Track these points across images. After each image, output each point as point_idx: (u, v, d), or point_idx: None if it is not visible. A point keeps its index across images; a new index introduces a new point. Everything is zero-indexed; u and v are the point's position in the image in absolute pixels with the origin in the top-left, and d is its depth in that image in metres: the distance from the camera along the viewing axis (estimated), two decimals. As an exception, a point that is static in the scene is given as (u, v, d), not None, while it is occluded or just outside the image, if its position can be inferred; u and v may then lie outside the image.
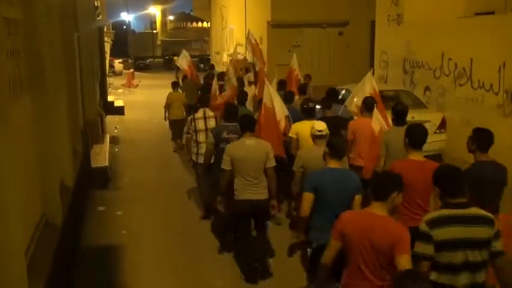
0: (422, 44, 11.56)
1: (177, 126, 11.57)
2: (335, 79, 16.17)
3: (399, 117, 5.76)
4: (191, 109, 10.14)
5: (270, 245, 6.18)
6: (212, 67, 16.98)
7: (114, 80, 32.29)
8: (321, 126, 5.33)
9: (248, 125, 5.46)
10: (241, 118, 5.60)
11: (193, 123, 7.27)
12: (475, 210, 3.35)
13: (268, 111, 6.73)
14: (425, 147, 4.62)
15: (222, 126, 6.35)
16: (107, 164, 9.42)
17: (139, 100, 23.05)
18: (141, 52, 56.76)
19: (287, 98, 7.83)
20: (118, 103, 18.69)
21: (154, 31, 67.15)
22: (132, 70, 35.09)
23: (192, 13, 66.12)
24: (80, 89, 9.23)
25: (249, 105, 9.02)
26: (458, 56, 10.13)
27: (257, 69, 10.64)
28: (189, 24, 69.37)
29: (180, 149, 11.52)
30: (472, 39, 9.61)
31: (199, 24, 64.38)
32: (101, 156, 9.76)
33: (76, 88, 8.44)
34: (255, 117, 6.35)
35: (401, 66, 12.60)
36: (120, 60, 42.99)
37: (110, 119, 16.07)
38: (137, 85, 30.21)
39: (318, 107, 7.02)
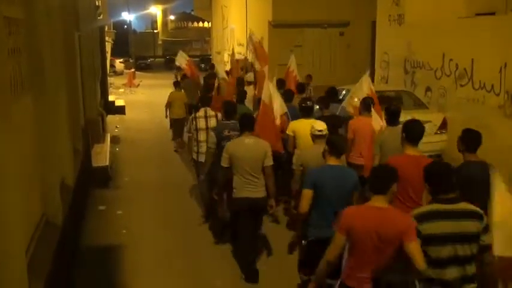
0: (423, 44, 11.55)
1: (178, 125, 11.70)
2: (336, 79, 16.13)
3: (392, 117, 5.88)
4: (192, 108, 10.18)
5: (269, 243, 6.20)
6: (212, 67, 16.93)
7: (115, 79, 32.34)
8: (320, 126, 5.35)
9: (247, 124, 5.51)
10: (241, 118, 5.64)
11: (194, 122, 7.31)
12: (464, 205, 3.41)
13: (266, 107, 6.78)
14: (426, 147, 4.65)
15: (223, 124, 6.39)
16: (107, 163, 9.44)
17: (140, 100, 23.07)
18: (142, 52, 56.87)
19: (286, 97, 7.89)
20: (119, 103, 18.72)
21: (155, 31, 67.28)
22: (133, 70, 35.17)
23: (193, 13, 66.08)
24: (80, 89, 9.24)
25: (249, 104, 9.04)
26: (459, 56, 10.13)
27: (257, 69, 10.63)
28: (190, 24, 69.51)
29: (180, 148, 11.56)
30: (473, 40, 9.61)
31: (200, 24, 64.48)
32: (101, 156, 9.78)
33: (77, 87, 8.44)
34: (254, 116, 6.40)
35: (402, 66, 12.59)
36: (121, 59, 43.09)
37: (110, 118, 16.08)
38: (138, 85, 30.26)
39: (316, 106, 7.05)
